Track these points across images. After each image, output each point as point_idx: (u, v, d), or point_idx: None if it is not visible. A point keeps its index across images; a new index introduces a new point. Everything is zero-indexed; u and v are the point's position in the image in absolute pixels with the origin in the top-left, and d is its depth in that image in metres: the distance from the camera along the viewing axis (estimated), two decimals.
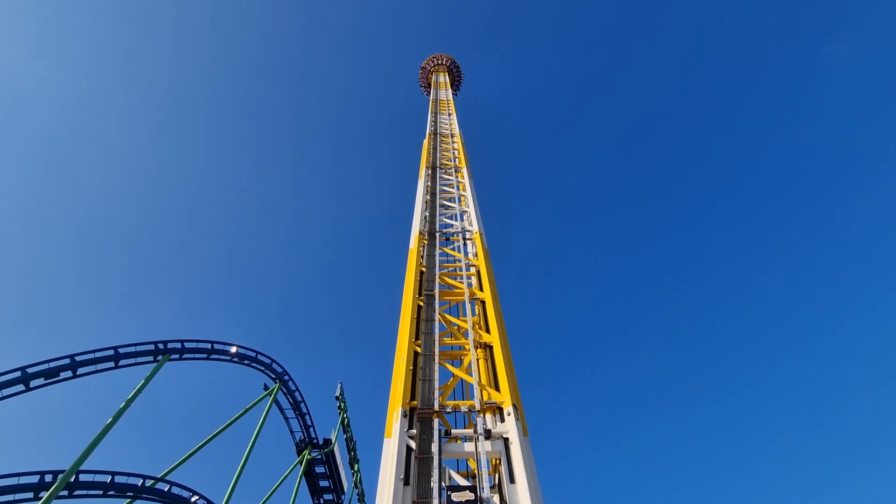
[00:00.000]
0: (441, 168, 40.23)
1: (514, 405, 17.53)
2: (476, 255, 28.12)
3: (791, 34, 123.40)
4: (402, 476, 15.26)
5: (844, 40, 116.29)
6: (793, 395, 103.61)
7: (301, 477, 31.88)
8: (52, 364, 22.00)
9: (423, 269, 26.65)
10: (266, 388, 29.85)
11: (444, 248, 29.34)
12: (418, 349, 20.71)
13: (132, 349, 24.19)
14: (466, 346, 21.70)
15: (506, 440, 16.41)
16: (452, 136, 47.99)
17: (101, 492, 22.43)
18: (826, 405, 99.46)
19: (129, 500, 23.18)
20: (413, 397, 18.43)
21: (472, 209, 32.99)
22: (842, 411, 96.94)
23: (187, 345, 26.13)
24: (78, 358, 22.64)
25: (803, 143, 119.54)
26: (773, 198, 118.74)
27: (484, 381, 19.56)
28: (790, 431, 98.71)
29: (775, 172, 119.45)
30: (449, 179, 38.39)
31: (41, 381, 21.80)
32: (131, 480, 23.15)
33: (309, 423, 33.05)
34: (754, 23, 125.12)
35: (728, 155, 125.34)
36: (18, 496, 20.31)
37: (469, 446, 16.75)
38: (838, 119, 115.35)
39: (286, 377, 30.77)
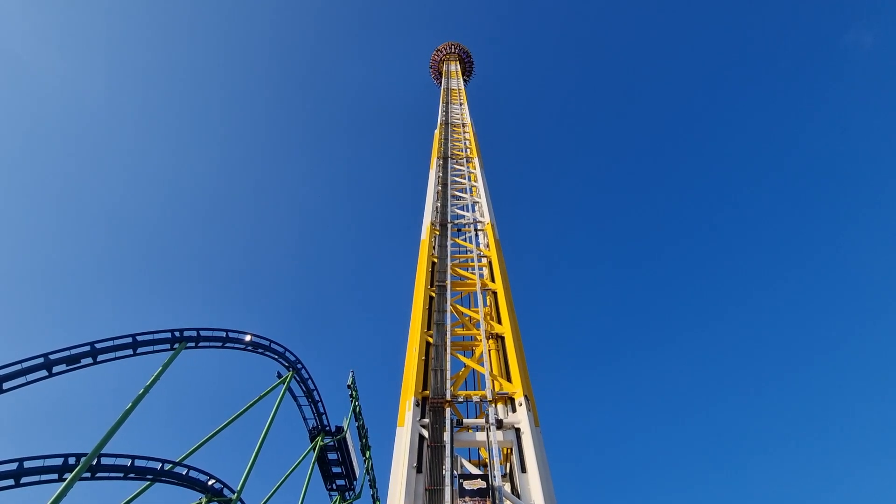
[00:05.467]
0: (452, 158, 40.03)
1: (525, 396, 17.68)
2: (488, 246, 28.14)
3: (813, 23, 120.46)
4: (414, 464, 15.52)
5: (868, 29, 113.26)
6: (797, 399, 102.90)
7: (314, 463, 32.43)
8: (74, 351, 22.53)
9: (435, 260, 26.74)
10: (279, 376, 30.28)
11: (456, 239, 29.38)
12: (430, 339, 20.88)
13: (150, 337, 24.65)
14: (478, 337, 21.85)
15: (517, 430, 16.58)
16: (464, 126, 47.65)
17: (121, 474, 23.18)
18: (830, 410, 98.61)
19: (148, 482, 23.86)
20: (425, 387, 18.64)
21: (483, 200, 32.90)
22: (848, 415, 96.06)
23: (203, 333, 26.53)
24: (98, 345, 23.14)
25: (826, 138, 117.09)
26: (794, 195, 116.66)
27: (495, 371, 19.72)
28: (794, 434, 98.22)
29: (797, 169, 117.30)
30: (460, 170, 38.23)
31: (63, 367, 22.36)
32: (150, 464, 23.88)
33: (321, 410, 33.50)
34: (774, 12, 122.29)
35: (751, 148, 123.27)
36: (44, 477, 21.03)
37: (481, 436, 16.94)
38: (863, 112, 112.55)
39: (299, 365, 31.16)
